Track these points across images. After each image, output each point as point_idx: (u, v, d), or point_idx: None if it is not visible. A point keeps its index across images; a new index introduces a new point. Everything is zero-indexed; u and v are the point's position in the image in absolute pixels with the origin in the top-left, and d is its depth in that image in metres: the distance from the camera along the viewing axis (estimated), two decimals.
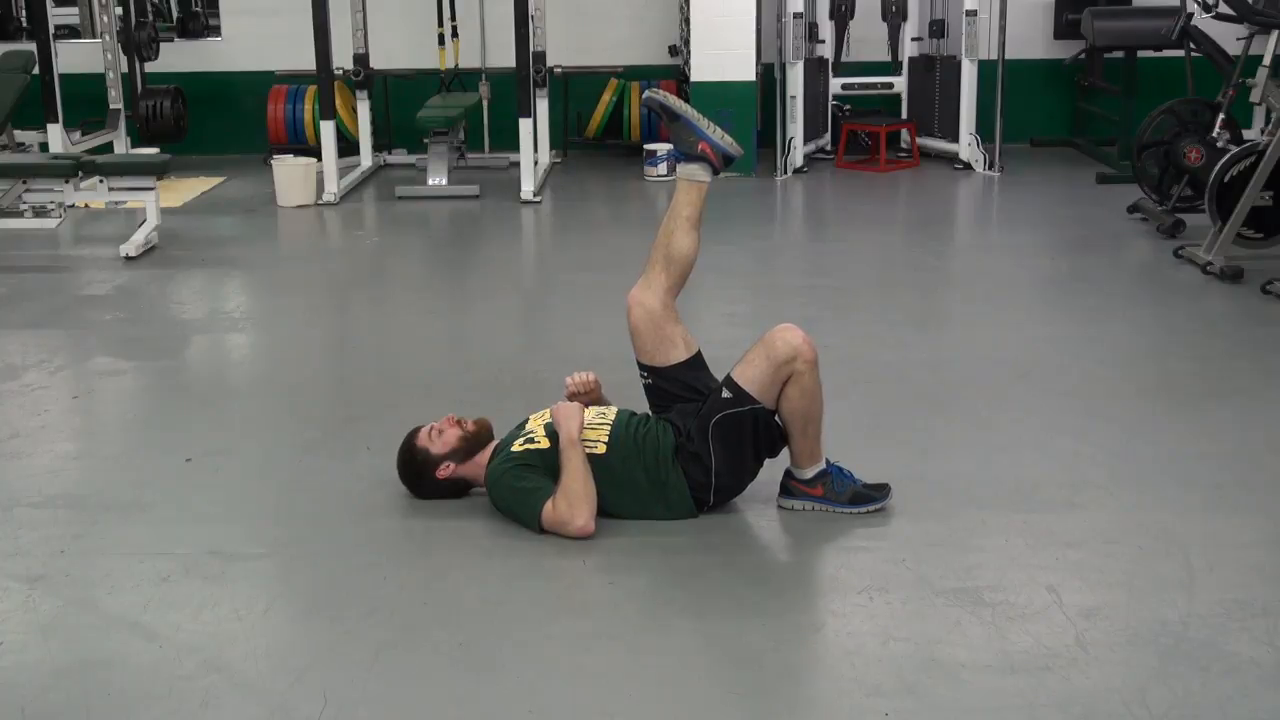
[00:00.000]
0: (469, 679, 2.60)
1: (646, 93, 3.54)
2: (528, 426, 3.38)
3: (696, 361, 3.38)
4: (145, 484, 3.64)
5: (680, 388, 3.34)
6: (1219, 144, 6.51)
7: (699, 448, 3.24)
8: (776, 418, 3.27)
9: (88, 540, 3.25)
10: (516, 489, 3.23)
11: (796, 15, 8.63)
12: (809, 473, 3.32)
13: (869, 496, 3.33)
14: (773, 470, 3.40)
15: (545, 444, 3.28)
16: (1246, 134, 6.86)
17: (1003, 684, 2.53)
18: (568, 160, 9.72)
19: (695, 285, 5.65)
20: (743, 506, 3.36)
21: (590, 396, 3.53)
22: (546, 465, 3.24)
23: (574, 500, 3.15)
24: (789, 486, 3.36)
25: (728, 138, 3.41)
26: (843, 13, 9.32)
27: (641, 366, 3.39)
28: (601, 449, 3.26)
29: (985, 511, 3.33)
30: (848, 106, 9.73)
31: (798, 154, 8.83)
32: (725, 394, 3.24)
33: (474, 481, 3.38)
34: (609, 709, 2.49)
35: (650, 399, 3.42)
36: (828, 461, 3.34)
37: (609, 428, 3.31)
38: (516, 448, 3.30)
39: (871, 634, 2.73)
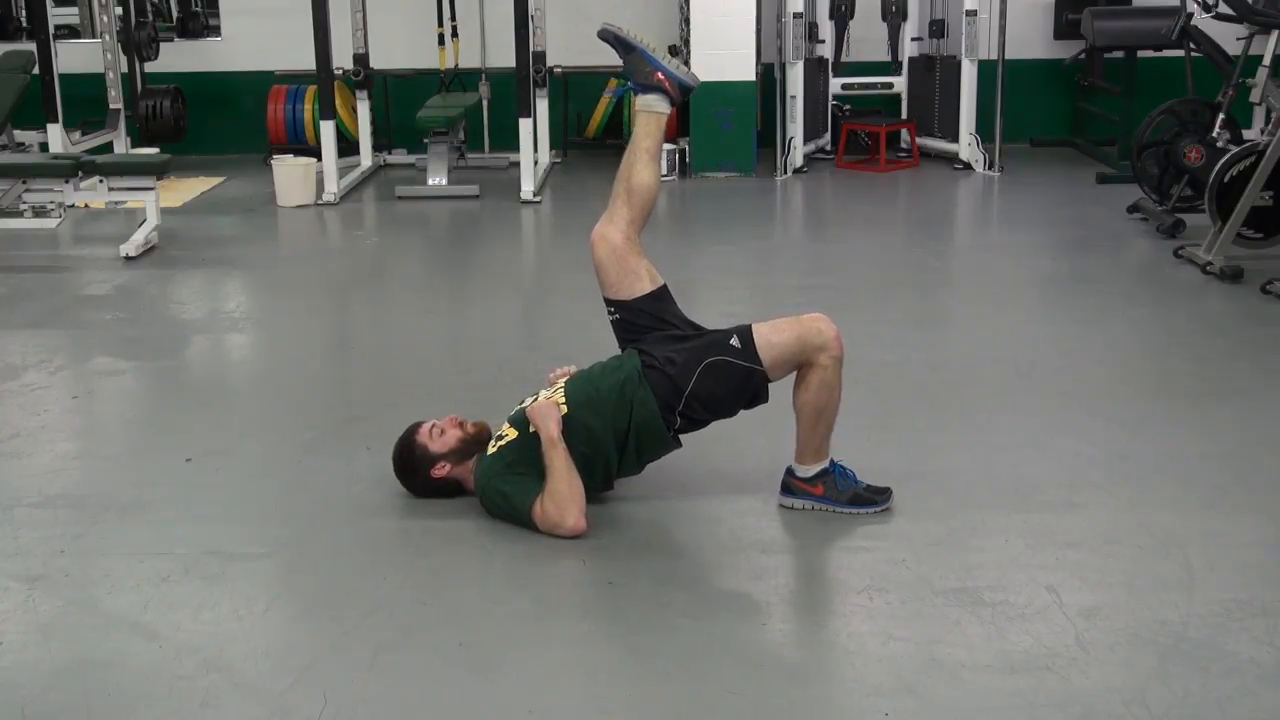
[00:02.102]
0: (469, 679, 2.60)
1: (603, 25, 3.51)
2: (500, 427, 3.39)
3: (662, 294, 3.39)
4: (145, 484, 3.64)
5: (648, 319, 3.35)
6: (1219, 144, 6.51)
7: (678, 373, 3.21)
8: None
9: (88, 540, 3.25)
10: (503, 492, 3.24)
11: (796, 15, 8.62)
12: (811, 470, 3.32)
13: (870, 499, 3.33)
14: (774, 470, 3.41)
15: (513, 434, 3.29)
16: (1246, 134, 6.85)
17: (1003, 684, 2.53)
18: (568, 160, 9.72)
19: (695, 285, 5.66)
20: (743, 506, 3.37)
21: None
22: (520, 455, 3.24)
23: (561, 502, 3.14)
24: (790, 485, 3.36)
25: (684, 67, 3.44)
26: (843, 13, 9.32)
27: (608, 302, 3.40)
28: (564, 409, 3.26)
29: (985, 511, 3.33)
30: (848, 106, 9.73)
31: (798, 154, 8.84)
32: (734, 342, 3.23)
33: (466, 484, 3.38)
34: (609, 709, 2.49)
35: (619, 334, 3.42)
36: (832, 461, 3.34)
37: (564, 388, 3.33)
38: (490, 450, 3.32)
39: (871, 634, 2.73)
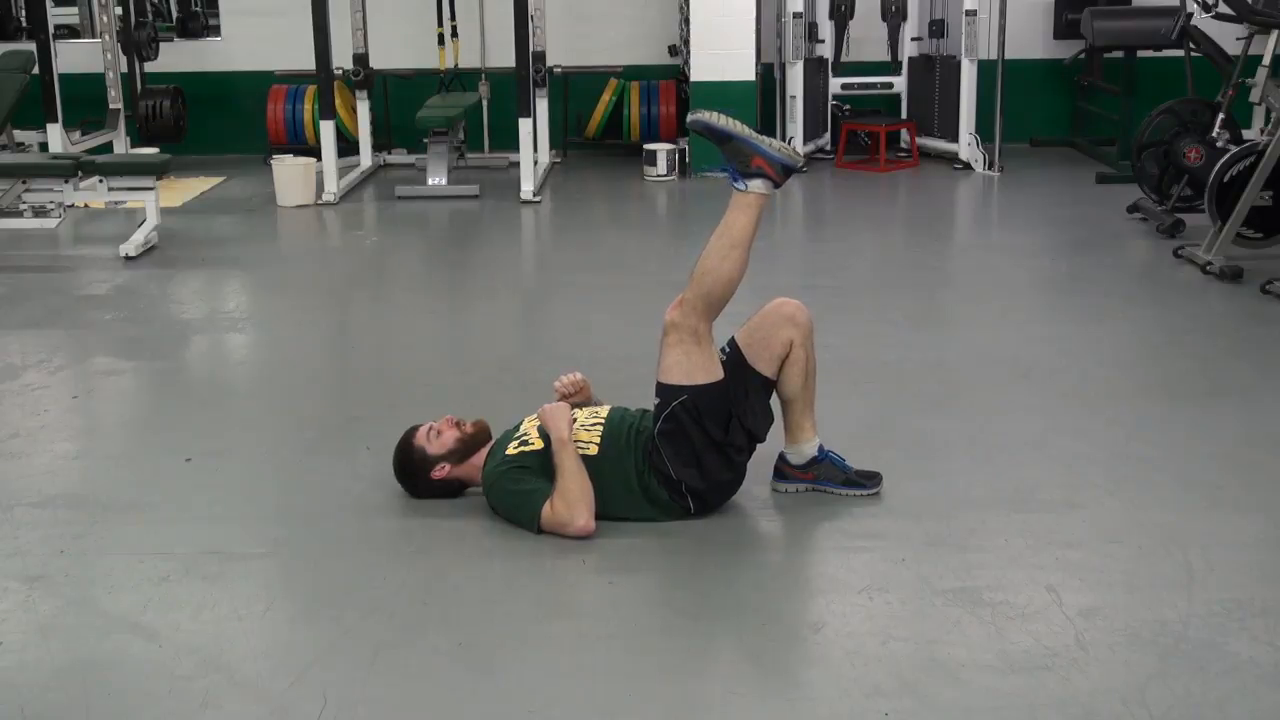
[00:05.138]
0: (469, 679, 2.60)
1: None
2: (521, 429, 3.38)
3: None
4: (145, 484, 3.64)
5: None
6: (1219, 144, 6.51)
7: (658, 462, 3.23)
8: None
9: (88, 540, 3.25)
10: (514, 492, 3.23)
11: (796, 15, 8.63)
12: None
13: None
14: (770, 465, 3.41)
15: (539, 445, 3.28)
16: (1246, 134, 6.85)
17: (1003, 684, 2.53)
18: (567, 160, 9.72)
19: None
20: (742, 506, 3.36)
21: (580, 397, 3.53)
22: (542, 466, 3.24)
23: (571, 502, 3.14)
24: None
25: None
26: (842, 13, 9.32)
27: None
28: (594, 450, 3.25)
29: (985, 511, 3.33)
30: (847, 106, 9.73)
31: None
32: (656, 400, 3.23)
33: (469, 483, 3.38)
34: (609, 709, 2.49)
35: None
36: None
37: (601, 428, 3.30)
38: (511, 451, 3.30)
39: (871, 634, 2.73)
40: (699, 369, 3.18)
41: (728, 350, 3.32)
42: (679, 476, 3.21)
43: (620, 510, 3.24)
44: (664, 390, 3.21)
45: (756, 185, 3.19)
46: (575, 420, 3.31)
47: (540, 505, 3.17)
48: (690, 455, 3.21)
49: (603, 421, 3.32)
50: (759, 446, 3.31)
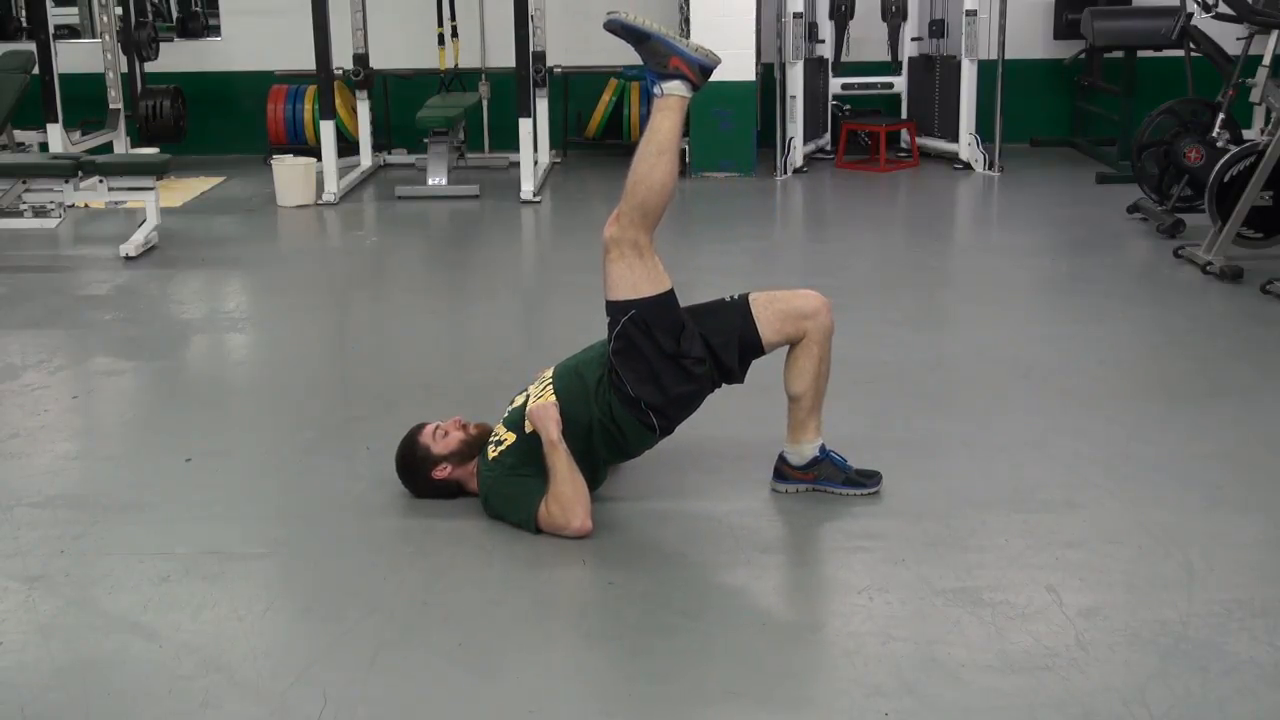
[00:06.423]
0: (469, 679, 2.60)
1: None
2: (495, 431, 3.38)
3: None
4: (145, 484, 3.64)
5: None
6: (1219, 144, 6.51)
7: (618, 382, 3.21)
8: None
9: (88, 540, 3.25)
10: (509, 496, 3.23)
11: (796, 15, 8.63)
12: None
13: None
14: (771, 471, 3.40)
15: (511, 438, 3.28)
16: (1246, 134, 6.85)
17: (1003, 684, 2.53)
18: (567, 160, 9.72)
19: (694, 285, 5.64)
20: (741, 506, 3.37)
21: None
22: (520, 458, 3.24)
23: (566, 504, 3.14)
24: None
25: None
26: (843, 13, 9.32)
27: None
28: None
29: (985, 511, 3.32)
30: (848, 106, 9.73)
31: (797, 154, 8.84)
32: (607, 320, 3.21)
33: (467, 487, 3.38)
34: (609, 709, 2.49)
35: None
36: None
37: (552, 382, 3.31)
38: (491, 455, 3.30)
39: (871, 634, 2.73)
40: (644, 281, 3.18)
41: (734, 298, 3.33)
42: (637, 394, 3.19)
43: (601, 451, 3.24)
44: (613, 308, 3.20)
45: (674, 87, 3.19)
46: (530, 396, 3.31)
47: (536, 506, 3.17)
48: (647, 371, 3.19)
49: (551, 380, 3.32)
50: (758, 446, 3.30)
